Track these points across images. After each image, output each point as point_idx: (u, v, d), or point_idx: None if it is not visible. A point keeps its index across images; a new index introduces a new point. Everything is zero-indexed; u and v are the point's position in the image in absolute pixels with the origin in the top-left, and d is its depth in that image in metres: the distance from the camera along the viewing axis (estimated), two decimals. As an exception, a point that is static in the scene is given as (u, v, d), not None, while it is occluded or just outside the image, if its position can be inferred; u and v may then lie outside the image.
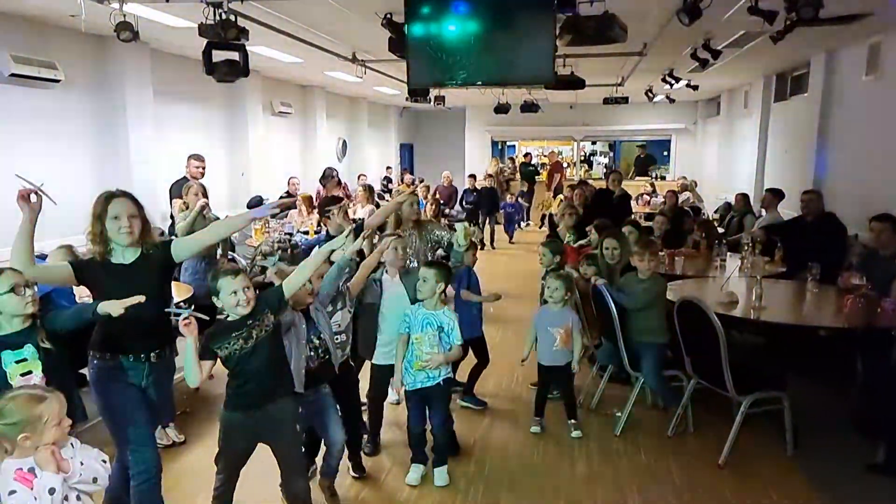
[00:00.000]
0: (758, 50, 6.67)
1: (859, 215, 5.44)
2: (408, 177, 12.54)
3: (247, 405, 2.45)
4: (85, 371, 2.57)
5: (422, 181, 11.44)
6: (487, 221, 10.67)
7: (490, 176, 11.59)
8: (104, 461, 1.84)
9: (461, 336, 3.09)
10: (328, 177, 8.89)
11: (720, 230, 7.15)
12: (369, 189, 7.91)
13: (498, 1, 4.03)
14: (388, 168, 13.74)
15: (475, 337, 3.91)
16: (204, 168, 5.79)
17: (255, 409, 2.45)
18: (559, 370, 3.64)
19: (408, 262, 3.68)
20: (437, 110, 12.13)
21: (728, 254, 5.37)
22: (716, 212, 9.49)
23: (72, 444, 1.81)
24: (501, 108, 10.45)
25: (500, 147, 16.90)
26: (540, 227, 11.79)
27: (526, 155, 15.11)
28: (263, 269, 5.55)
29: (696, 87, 9.32)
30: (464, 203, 10.71)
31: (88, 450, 1.84)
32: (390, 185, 12.44)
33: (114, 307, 2.15)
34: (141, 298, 2.19)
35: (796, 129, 8.29)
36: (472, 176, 11.20)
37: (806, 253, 4.59)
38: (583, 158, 16.54)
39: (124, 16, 4.42)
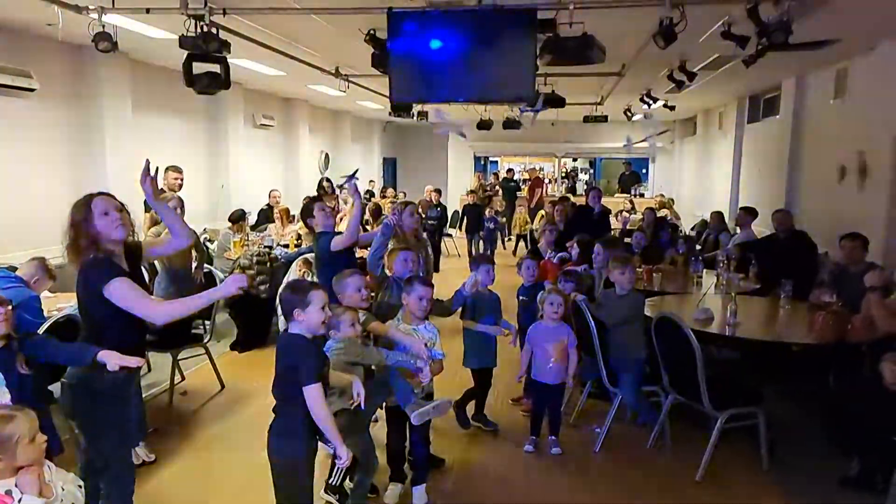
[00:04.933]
0: (731, 73, 6.86)
1: (829, 233, 5.59)
2: (390, 191, 12.52)
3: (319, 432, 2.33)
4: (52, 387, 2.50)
5: (404, 195, 11.44)
6: (472, 239, 10.56)
7: (472, 192, 11.55)
8: (80, 486, 1.79)
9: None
10: (321, 187, 8.89)
11: (697, 247, 7.28)
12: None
13: (480, 20, 4.08)
14: (371, 182, 13.74)
15: (481, 367, 3.82)
16: (182, 180, 5.72)
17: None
18: (554, 388, 3.63)
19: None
20: (420, 125, 12.18)
21: (704, 270, 5.46)
22: (692, 229, 9.67)
23: (48, 467, 1.75)
24: (484, 125, 10.54)
25: (482, 162, 17.02)
26: (514, 252, 11.15)
27: (508, 171, 15.25)
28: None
29: (672, 108, 9.52)
30: (427, 221, 9.66)
31: (64, 474, 1.78)
32: (373, 199, 12.40)
33: (112, 360, 2.10)
34: (141, 361, 2.19)
35: (768, 149, 8.52)
36: (438, 191, 10.58)
37: (779, 270, 4.69)
38: (564, 175, 16.75)
39: (103, 26, 4.38)
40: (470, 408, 3.97)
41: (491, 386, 3.95)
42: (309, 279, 5.21)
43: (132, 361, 2.12)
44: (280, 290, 2.50)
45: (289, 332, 2.30)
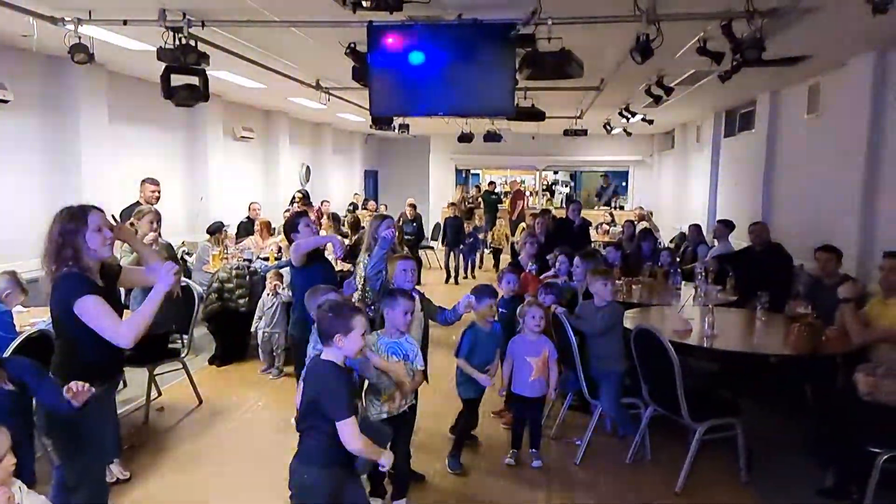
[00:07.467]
0: (707, 88, 7.00)
1: (803, 246, 5.70)
2: (371, 203, 12.48)
3: (341, 460, 2.26)
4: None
5: (385, 208, 11.39)
6: (452, 253, 10.40)
7: (453, 204, 11.49)
8: None
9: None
10: (294, 199, 8.83)
11: (676, 259, 7.37)
12: (335, 218, 7.84)
13: (460, 34, 4.12)
14: (356, 195, 13.71)
15: (467, 398, 3.67)
16: (159, 192, 5.64)
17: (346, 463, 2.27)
18: (534, 402, 3.61)
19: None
20: (401, 137, 12.20)
21: (682, 282, 5.53)
22: (671, 241, 9.79)
23: (19, 487, 1.70)
24: (465, 138, 10.58)
25: (464, 175, 17.09)
26: (497, 267, 10.84)
27: (490, 183, 15.33)
28: (220, 297, 5.41)
29: (651, 122, 9.67)
30: (404, 235, 9.29)
31: (35, 496, 1.73)
32: (356, 211, 12.36)
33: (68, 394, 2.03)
34: (91, 390, 2.09)
35: (745, 163, 8.68)
36: (412, 205, 10.16)
37: (755, 282, 4.77)
38: (545, 187, 16.89)
39: (79, 37, 4.32)
40: (449, 419, 3.94)
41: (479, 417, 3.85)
42: (280, 290, 5.19)
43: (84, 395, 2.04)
44: (318, 310, 2.44)
45: (321, 359, 2.26)
